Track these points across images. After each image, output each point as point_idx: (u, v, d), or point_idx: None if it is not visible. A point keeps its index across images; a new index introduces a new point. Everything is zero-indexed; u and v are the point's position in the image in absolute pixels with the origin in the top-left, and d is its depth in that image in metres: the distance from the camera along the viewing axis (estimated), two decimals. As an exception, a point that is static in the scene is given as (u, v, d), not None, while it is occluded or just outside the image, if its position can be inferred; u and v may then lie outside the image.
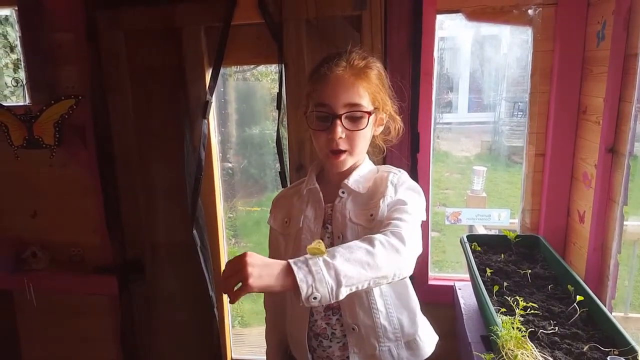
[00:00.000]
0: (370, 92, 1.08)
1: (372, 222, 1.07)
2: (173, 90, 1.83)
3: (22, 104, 1.99)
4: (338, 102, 1.06)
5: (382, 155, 1.24)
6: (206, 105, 1.77)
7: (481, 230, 2.60)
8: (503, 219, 1.73)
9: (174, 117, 1.84)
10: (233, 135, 3.40)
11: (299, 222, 1.16)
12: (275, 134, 1.76)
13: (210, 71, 1.77)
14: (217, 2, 1.70)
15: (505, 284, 1.34)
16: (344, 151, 1.09)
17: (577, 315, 1.16)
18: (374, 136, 1.16)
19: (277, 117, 1.77)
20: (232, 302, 0.84)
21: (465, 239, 1.56)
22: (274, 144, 1.77)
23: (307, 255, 0.87)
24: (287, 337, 1.27)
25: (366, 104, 1.07)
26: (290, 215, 1.20)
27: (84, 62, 1.85)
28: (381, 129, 1.17)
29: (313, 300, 0.84)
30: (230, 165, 3.48)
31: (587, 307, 1.17)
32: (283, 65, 1.70)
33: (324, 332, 1.16)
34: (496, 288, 1.30)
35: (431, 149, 1.71)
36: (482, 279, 1.32)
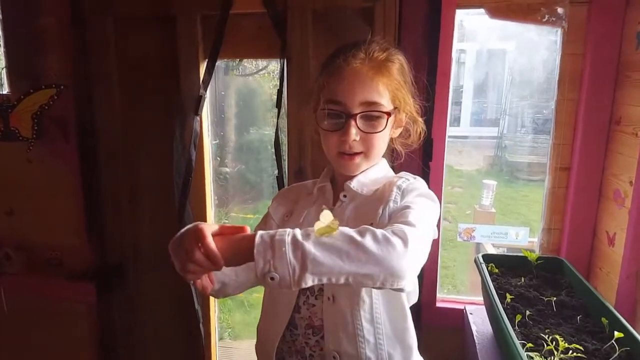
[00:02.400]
0: (390, 90, 0.94)
1: None
2: (164, 83, 1.68)
3: (-1, 92, 1.83)
4: (354, 99, 0.92)
5: (400, 161, 1.08)
6: (199, 101, 1.62)
7: (489, 249, 2.43)
8: (521, 237, 1.57)
9: (164, 112, 1.69)
10: (231, 140, 3.25)
11: (299, 217, 1.02)
12: (274, 134, 1.61)
13: (206, 63, 1.61)
14: (216, -12, 1.55)
15: (527, 312, 1.18)
16: (359, 153, 0.95)
17: (615, 355, 1.00)
18: (391, 139, 1.01)
19: (275, 118, 1.61)
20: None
21: (481, 259, 1.40)
22: (272, 147, 1.61)
23: (280, 230, 0.76)
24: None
25: (385, 102, 0.93)
26: (292, 209, 1.06)
27: (69, 50, 1.70)
28: (399, 131, 1.02)
29: (270, 280, 0.73)
30: (227, 170, 3.32)
31: (628, 346, 1.01)
32: (285, 60, 1.55)
33: (302, 351, 0.98)
34: (518, 317, 1.14)
35: (444, 159, 1.55)
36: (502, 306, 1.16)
